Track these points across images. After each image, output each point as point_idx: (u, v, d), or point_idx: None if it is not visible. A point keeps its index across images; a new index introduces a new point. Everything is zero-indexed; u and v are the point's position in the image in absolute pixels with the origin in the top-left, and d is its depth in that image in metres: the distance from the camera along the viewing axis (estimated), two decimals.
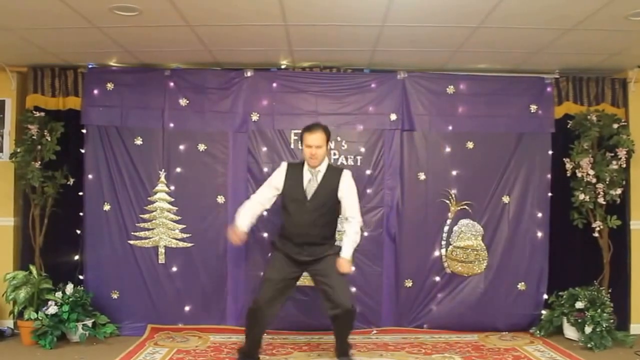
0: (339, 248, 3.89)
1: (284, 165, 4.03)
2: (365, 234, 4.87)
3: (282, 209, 3.96)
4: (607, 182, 4.72)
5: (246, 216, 3.97)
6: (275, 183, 3.99)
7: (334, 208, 3.92)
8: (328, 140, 3.94)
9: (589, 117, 4.81)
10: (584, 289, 4.65)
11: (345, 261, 3.80)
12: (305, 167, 3.93)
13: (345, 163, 4.90)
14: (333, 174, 3.93)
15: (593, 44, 4.28)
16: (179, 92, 4.88)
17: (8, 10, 3.60)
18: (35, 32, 4.05)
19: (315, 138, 3.85)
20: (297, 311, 4.78)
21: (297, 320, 4.77)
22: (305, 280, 4.79)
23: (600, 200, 4.73)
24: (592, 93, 5.03)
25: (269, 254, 4.14)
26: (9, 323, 4.78)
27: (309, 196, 3.84)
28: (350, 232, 3.88)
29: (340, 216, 4.03)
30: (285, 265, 3.85)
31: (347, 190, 3.91)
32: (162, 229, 4.84)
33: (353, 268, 4.21)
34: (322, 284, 3.82)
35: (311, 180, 3.87)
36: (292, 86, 4.91)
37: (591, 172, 4.73)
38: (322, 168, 3.92)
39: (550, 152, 4.95)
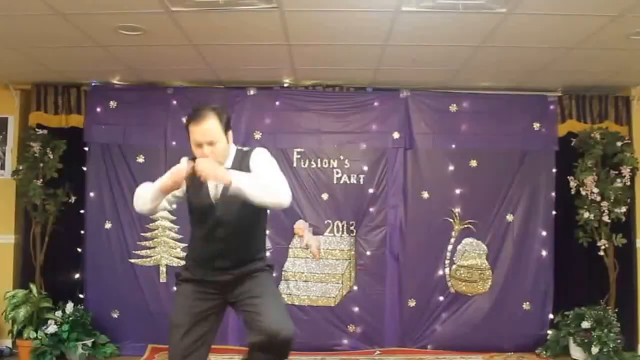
0: (271, 266, 2.79)
1: (184, 162, 2.55)
2: (368, 252, 4.86)
3: (191, 225, 2.73)
4: (611, 200, 4.69)
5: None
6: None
7: (255, 212, 2.57)
8: (228, 127, 2.57)
9: (592, 135, 4.80)
10: (590, 308, 4.60)
11: (220, 169, 2.37)
12: None
13: (348, 182, 4.89)
14: (241, 161, 2.61)
15: (595, 63, 4.28)
16: (182, 110, 4.86)
17: (13, 29, 3.63)
18: (39, 50, 4.07)
19: (205, 130, 2.48)
20: (300, 331, 4.70)
21: (299, 340, 4.62)
22: (304, 300, 4.80)
23: (605, 218, 4.70)
24: (596, 111, 5.02)
25: (175, 290, 2.85)
26: (7, 342, 4.72)
27: (216, 202, 2.55)
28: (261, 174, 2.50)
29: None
30: (194, 300, 2.59)
31: (258, 163, 2.58)
32: (164, 247, 4.81)
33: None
34: (247, 305, 2.59)
35: (217, 185, 2.54)
36: (295, 105, 4.91)
37: (595, 190, 4.70)
38: (228, 163, 2.60)
39: (554, 170, 4.94)
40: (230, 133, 2.62)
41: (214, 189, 2.58)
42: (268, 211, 2.77)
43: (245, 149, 2.74)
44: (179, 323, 2.58)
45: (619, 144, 4.77)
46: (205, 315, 2.61)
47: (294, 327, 2.60)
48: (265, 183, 2.44)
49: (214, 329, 2.68)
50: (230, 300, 2.67)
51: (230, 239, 2.60)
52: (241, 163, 2.61)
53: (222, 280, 2.61)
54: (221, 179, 2.36)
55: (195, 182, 2.52)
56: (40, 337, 4.36)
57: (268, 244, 4.60)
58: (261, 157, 2.62)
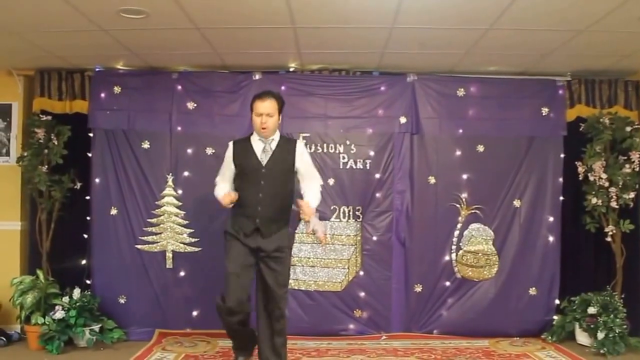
0: (292, 241, 3.87)
1: (230, 145, 3.81)
2: (374, 238, 4.86)
3: (237, 183, 3.76)
4: (620, 186, 4.66)
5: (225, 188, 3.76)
6: (227, 165, 3.78)
7: (290, 179, 3.73)
8: (281, 109, 3.72)
9: (601, 119, 4.75)
10: (596, 294, 4.60)
11: (307, 205, 3.62)
12: (255, 137, 3.72)
13: (355, 167, 4.87)
14: (287, 143, 3.77)
15: (605, 46, 4.22)
16: (187, 96, 4.85)
17: (15, 13, 3.58)
18: (42, 35, 4.03)
19: (266, 105, 3.62)
20: (306, 316, 4.76)
21: (305, 325, 4.74)
22: (311, 285, 4.82)
23: (613, 204, 4.67)
24: (605, 95, 4.96)
25: (225, 244, 3.75)
26: (16, 328, 4.75)
27: (264, 163, 3.64)
28: (314, 188, 3.74)
29: (295, 193, 3.80)
30: (241, 253, 3.63)
31: (305, 160, 3.77)
32: (170, 233, 4.81)
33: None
34: (263, 282, 3.67)
35: (265, 149, 3.68)
36: (301, 89, 4.87)
37: (604, 175, 4.67)
38: (276, 137, 3.72)
39: (562, 156, 4.90)
40: (281, 115, 3.76)
41: (263, 157, 3.66)
42: (296, 180, 3.77)
43: (287, 137, 4.22)
44: (233, 271, 3.59)
45: (628, 129, 4.71)
46: (247, 264, 3.64)
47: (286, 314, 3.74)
48: (319, 191, 3.79)
49: (253, 274, 3.70)
50: (261, 264, 3.67)
51: (269, 195, 3.62)
52: (285, 147, 3.71)
53: (256, 245, 3.61)
54: (312, 214, 3.69)
55: (245, 151, 3.69)
56: (48, 323, 4.37)
57: None
58: (307, 159, 3.82)
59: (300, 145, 3.79)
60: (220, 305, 3.65)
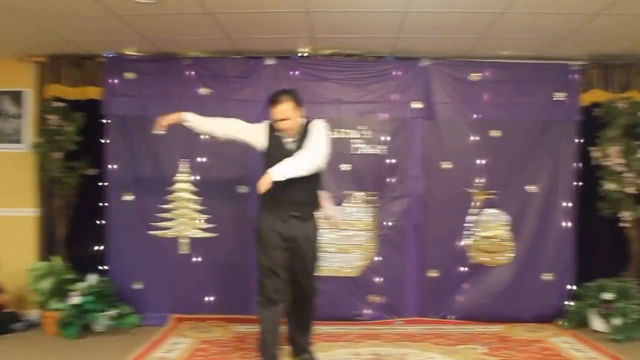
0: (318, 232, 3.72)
1: (266, 123, 3.62)
2: (389, 223, 4.85)
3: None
4: (635, 171, 4.62)
5: (217, 124, 3.69)
6: (258, 133, 3.61)
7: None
8: (298, 106, 3.49)
9: (616, 104, 4.70)
10: (611, 280, 4.58)
11: (266, 174, 3.33)
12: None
13: (369, 152, 4.85)
14: (305, 129, 3.54)
15: (622, 30, 4.16)
16: (199, 81, 4.84)
17: None
18: (53, 20, 4.02)
19: (280, 110, 3.41)
20: (321, 301, 4.73)
21: (321, 310, 4.71)
22: (327, 270, 4.80)
23: (628, 189, 4.64)
24: (620, 80, 4.88)
25: (256, 239, 3.64)
26: (33, 313, 4.78)
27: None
28: (296, 157, 3.40)
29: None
30: (274, 246, 3.55)
31: (314, 131, 3.49)
32: (185, 219, 4.82)
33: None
34: (293, 269, 3.64)
35: (291, 148, 3.53)
36: (314, 74, 4.84)
37: (619, 161, 4.63)
38: (301, 132, 3.57)
39: (577, 141, 4.86)
40: (302, 108, 3.53)
41: (291, 147, 3.49)
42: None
43: (305, 121, 3.59)
44: (271, 266, 3.53)
45: None
46: (283, 257, 3.58)
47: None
48: (303, 160, 3.38)
49: (287, 257, 3.59)
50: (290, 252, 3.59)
51: (298, 188, 3.46)
52: (303, 134, 3.51)
53: (287, 234, 3.54)
54: (267, 183, 3.33)
55: (276, 143, 3.53)
56: (65, 308, 4.40)
57: None
58: (319, 130, 3.51)
59: (315, 122, 3.56)
60: (261, 302, 3.58)
